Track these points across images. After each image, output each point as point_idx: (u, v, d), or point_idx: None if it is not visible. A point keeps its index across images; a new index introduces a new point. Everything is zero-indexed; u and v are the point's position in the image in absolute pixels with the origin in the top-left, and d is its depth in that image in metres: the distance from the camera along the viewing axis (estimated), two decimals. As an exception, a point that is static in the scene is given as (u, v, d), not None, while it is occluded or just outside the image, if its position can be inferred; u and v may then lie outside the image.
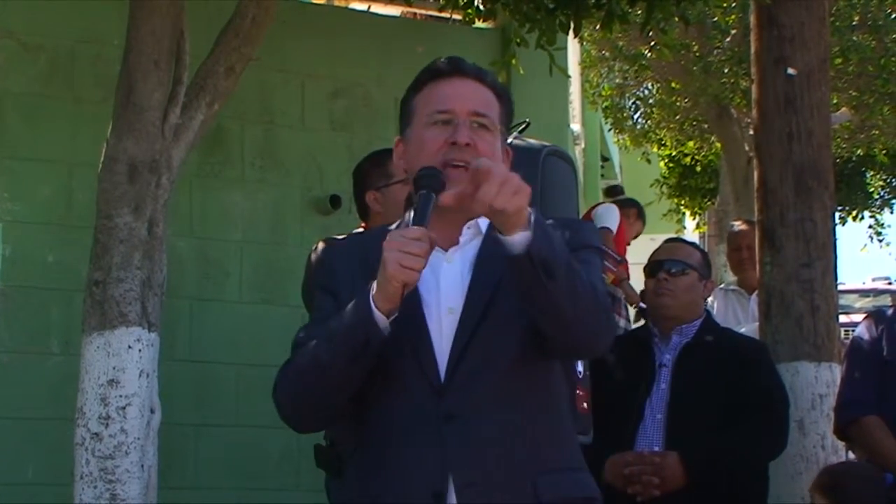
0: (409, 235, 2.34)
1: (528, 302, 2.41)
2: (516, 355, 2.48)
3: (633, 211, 8.12)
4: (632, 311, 7.76)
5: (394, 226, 2.61)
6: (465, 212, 2.50)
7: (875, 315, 4.45)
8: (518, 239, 2.32)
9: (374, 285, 2.38)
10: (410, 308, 2.46)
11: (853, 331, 4.69)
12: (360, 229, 4.23)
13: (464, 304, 2.48)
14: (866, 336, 4.31)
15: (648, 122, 15.03)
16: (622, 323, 7.19)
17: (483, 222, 2.54)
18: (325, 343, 2.45)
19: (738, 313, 6.64)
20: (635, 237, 8.52)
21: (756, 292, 6.45)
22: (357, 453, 2.58)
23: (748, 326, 6.09)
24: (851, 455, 4.94)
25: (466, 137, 2.48)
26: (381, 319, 2.38)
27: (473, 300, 2.48)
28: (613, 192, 8.32)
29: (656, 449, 4.22)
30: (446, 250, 2.53)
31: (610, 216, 7.23)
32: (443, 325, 2.48)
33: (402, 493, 2.45)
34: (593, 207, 7.65)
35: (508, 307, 2.46)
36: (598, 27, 5.80)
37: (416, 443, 2.45)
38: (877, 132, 14.30)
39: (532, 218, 2.34)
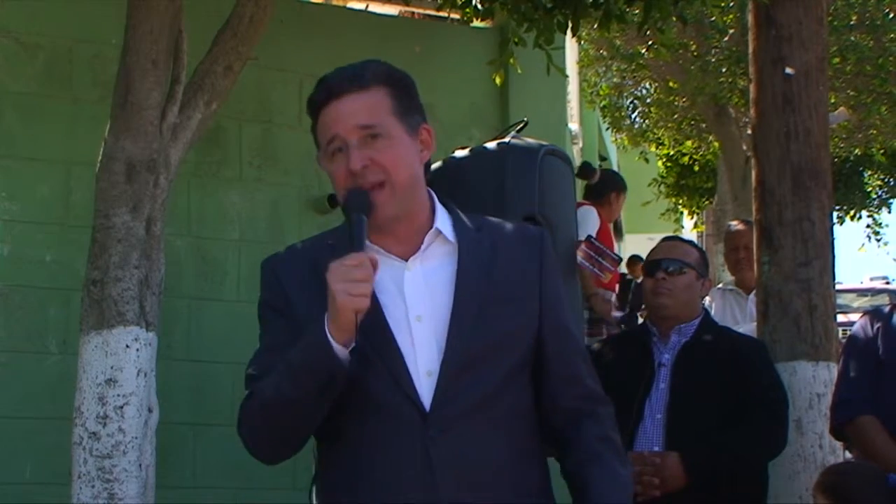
0: (349, 263, 2.31)
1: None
2: (504, 372, 2.45)
3: (612, 194, 7.85)
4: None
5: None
6: (410, 219, 2.47)
7: (872, 313, 4.44)
8: None
9: (327, 319, 2.33)
10: (374, 321, 2.41)
11: (851, 330, 4.68)
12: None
13: (451, 313, 2.43)
14: (862, 334, 4.31)
15: (646, 121, 15.04)
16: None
17: (443, 228, 2.50)
18: (287, 378, 2.40)
19: (735, 313, 6.64)
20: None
21: (754, 292, 6.45)
22: (327, 472, 2.53)
23: (746, 326, 6.08)
24: (849, 454, 4.95)
25: (357, 162, 2.41)
26: (342, 352, 2.33)
27: (460, 313, 2.44)
28: (586, 174, 7.76)
29: (656, 449, 4.21)
30: (405, 259, 2.48)
31: (589, 221, 7.10)
32: (413, 334, 2.44)
33: (390, 497, 2.40)
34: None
35: (497, 322, 2.44)
36: (595, 26, 5.81)
37: (401, 462, 2.40)
38: (874, 132, 14.31)
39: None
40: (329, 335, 2.32)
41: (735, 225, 7.02)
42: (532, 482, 2.49)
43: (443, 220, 2.52)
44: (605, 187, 7.61)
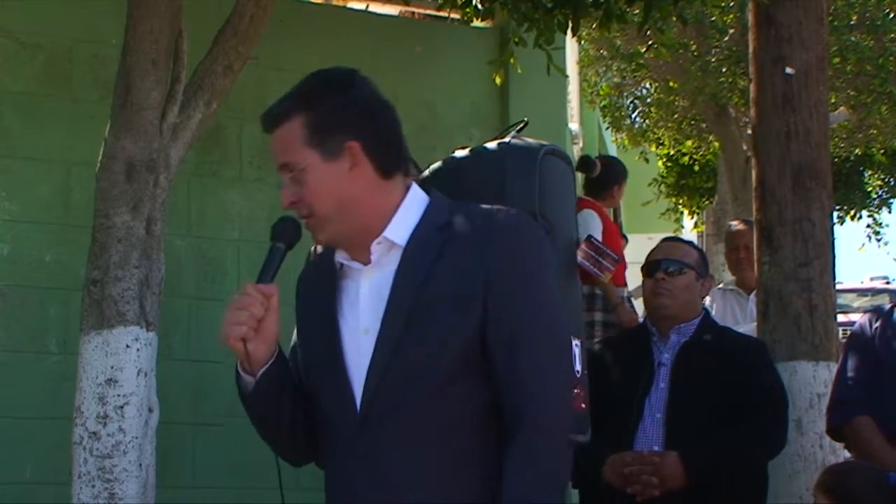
0: (242, 293, 2.41)
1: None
2: (437, 383, 2.38)
3: (615, 187, 7.76)
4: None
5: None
6: (370, 232, 2.44)
7: (873, 312, 4.44)
8: None
9: None
10: (328, 331, 2.46)
11: (851, 330, 4.68)
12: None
13: (381, 325, 2.40)
14: (861, 334, 4.31)
15: (646, 121, 15.03)
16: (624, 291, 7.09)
17: (394, 233, 2.44)
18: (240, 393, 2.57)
19: (736, 313, 6.64)
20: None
21: (755, 292, 6.45)
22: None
23: (746, 326, 6.09)
24: (848, 454, 4.94)
25: (286, 200, 2.48)
26: (246, 378, 2.51)
27: (389, 323, 2.39)
28: (587, 167, 7.60)
29: (656, 448, 4.21)
30: (365, 267, 2.47)
31: (592, 223, 7.07)
32: (360, 346, 2.43)
33: None
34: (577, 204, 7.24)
35: (428, 330, 2.37)
36: (596, 26, 5.81)
37: (339, 469, 2.48)
38: (875, 132, 14.30)
39: None
40: (238, 364, 2.49)
41: (735, 225, 7.02)
42: (472, 492, 2.39)
43: (399, 223, 2.45)
44: (607, 179, 7.48)
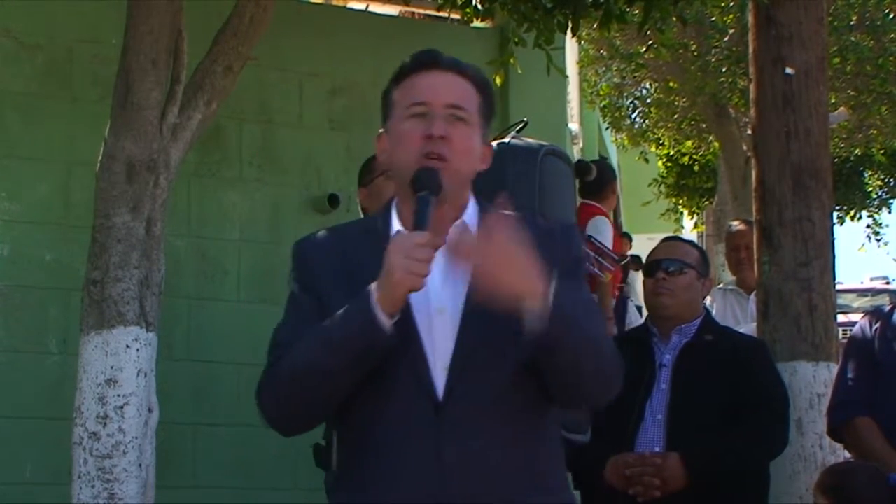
0: (416, 241, 2.33)
1: (536, 366, 2.40)
2: (517, 367, 2.42)
3: (609, 187, 7.82)
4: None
5: (399, 226, 2.55)
6: (450, 202, 2.48)
7: (872, 314, 4.44)
8: (531, 326, 2.31)
9: (374, 289, 2.35)
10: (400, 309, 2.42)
11: (851, 330, 4.68)
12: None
13: (463, 308, 2.44)
14: (861, 335, 4.31)
15: (646, 121, 15.03)
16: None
17: (470, 220, 2.51)
18: (321, 348, 2.41)
19: (736, 313, 6.63)
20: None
21: (755, 292, 6.45)
22: (340, 455, 2.54)
23: (747, 326, 6.08)
24: (848, 455, 4.94)
25: (441, 130, 2.46)
26: (387, 323, 2.35)
27: (475, 305, 2.42)
28: (584, 171, 7.70)
29: (657, 449, 4.20)
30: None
31: (604, 230, 7.11)
32: (433, 325, 2.44)
33: (401, 495, 2.40)
34: (584, 209, 7.30)
35: (505, 316, 2.39)
36: (595, 26, 5.80)
37: (412, 454, 2.40)
38: (875, 132, 14.30)
39: (553, 306, 2.31)
40: (377, 306, 2.33)
41: (736, 225, 7.02)
42: (548, 479, 2.48)
43: (471, 214, 2.53)
44: (603, 181, 7.56)
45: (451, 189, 2.46)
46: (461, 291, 2.45)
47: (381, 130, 2.63)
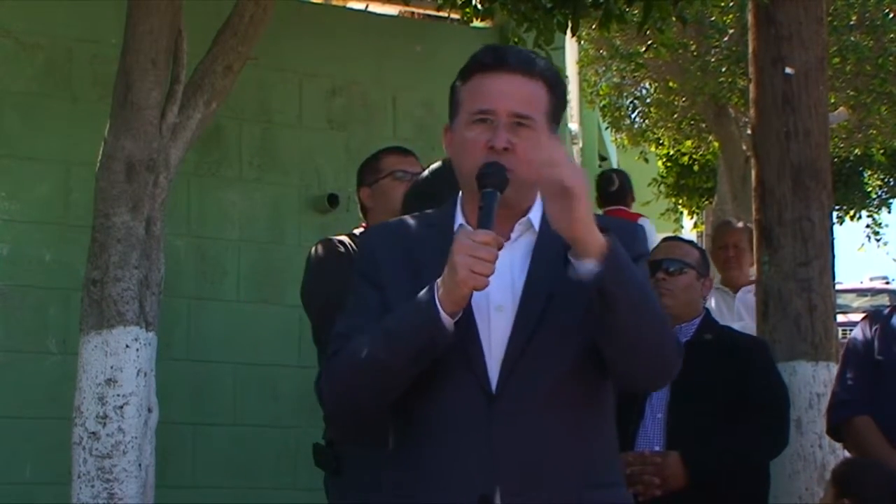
0: (478, 240, 2.33)
1: (596, 329, 2.40)
2: (572, 362, 2.45)
3: (630, 194, 8.08)
4: None
5: (465, 224, 2.55)
6: (512, 208, 2.49)
7: (871, 315, 4.46)
8: (588, 267, 2.31)
9: (439, 285, 2.36)
10: None
11: (850, 330, 4.69)
12: (361, 228, 4.25)
13: (519, 304, 2.45)
14: (861, 336, 4.32)
15: (646, 121, 15.01)
16: None
17: (534, 218, 2.52)
18: (382, 342, 2.42)
19: (723, 311, 6.65)
20: None
21: (742, 290, 6.47)
22: (394, 452, 2.55)
23: (734, 325, 6.10)
24: (848, 454, 4.95)
25: (504, 142, 2.46)
26: (448, 322, 2.36)
27: (529, 301, 2.45)
28: (608, 183, 8.02)
29: (657, 448, 4.21)
30: None
31: (651, 230, 7.21)
32: (491, 323, 2.46)
33: (444, 494, 2.42)
34: (618, 215, 7.36)
35: (566, 311, 2.44)
36: (595, 26, 5.81)
37: (464, 446, 2.42)
38: (874, 132, 14.29)
39: (609, 252, 2.32)
40: (440, 304, 2.35)
41: (734, 222, 7.03)
42: (602, 476, 2.49)
43: (537, 209, 2.53)
44: (625, 189, 7.89)
45: (515, 196, 2.47)
46: (519, 288, 2.47)
47: (445, 125, 2.64)
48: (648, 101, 14.75)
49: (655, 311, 2.44)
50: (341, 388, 2.50)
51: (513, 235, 2.51)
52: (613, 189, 7.93)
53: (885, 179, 18.74)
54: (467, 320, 2.43)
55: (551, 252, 2.45)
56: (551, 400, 2.44)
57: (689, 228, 20.24)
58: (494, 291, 2.43)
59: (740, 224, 6.89)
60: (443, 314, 2.36)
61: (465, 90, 2.55)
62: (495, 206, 2.39)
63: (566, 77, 7.18)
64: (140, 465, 4.30)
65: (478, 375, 2.43)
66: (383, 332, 2.42)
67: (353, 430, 2.66)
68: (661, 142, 16.16)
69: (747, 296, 6.29)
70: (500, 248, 2.34)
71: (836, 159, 15.37)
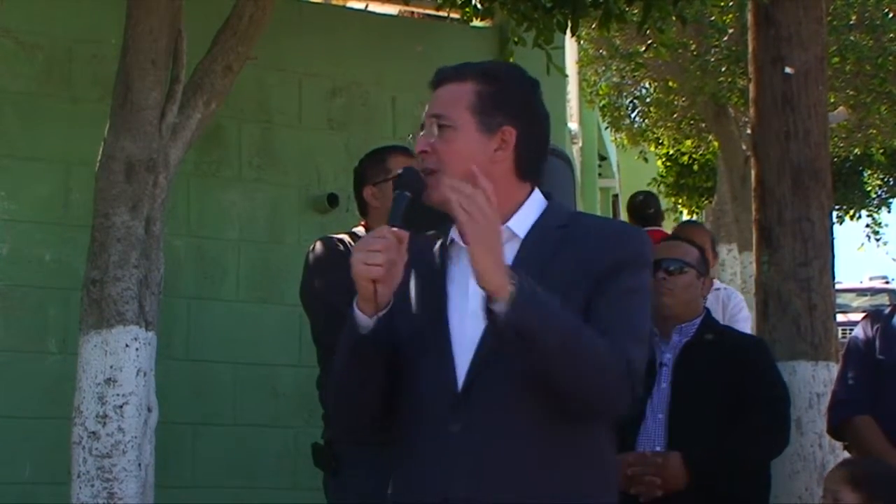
0: (373, 235, 2.41)
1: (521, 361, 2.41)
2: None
3: (661, 216, 8.33)
4: None
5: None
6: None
7: (872, 315, 4.46)
8: (498, 308, 2.32)
9: None
10: (437, 312, 2.51)
11: (850, 330, 4.69)
12: (360, 227, 4.24)
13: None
14: (862, 336, 4.32)
15: (646, 120, 15.03)
16: None
17: (517, 226, 2.54)
18: (339, 346, 2.52)
19: None
20: None
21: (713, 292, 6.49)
22: (355, 455, 2.64)
23: None
24: (848, 454, 4.95)
25: (422, 146, 2.54)
26: (362, 319, 2.43)
27: None
28: (644, 206, 8.32)
29: (658, 449, 4.20)
30: None
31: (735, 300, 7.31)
32: (466, 328, 2.49)
33: (410, 494, 2.48)
34: (655, 236, 7.45)
35: None
36: (595, 26, 5.81)
37: (428, 446, 2.46)
38: (874, 131, 14.30)
39: (514, 291, 2.31)
40: (355, 303, 2.42)
41: (700, 224, 7.06)
42: (571, 482, 2.46)
43: (523, 217, 2.55)
44: (658, 212, 8.15)
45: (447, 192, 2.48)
46: None
47: None
48: (648, 100, 14.76)
49: (585, 352, 2.38)
50: (331, 400, 2.65)
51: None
52: (651, 212, 8.19)
53: (885, 179, 18.77)
54: (443, 327, 2.49)
55: (534, 260, 2.49)
56: (517, 405, 2.43)
57: (688, 228, 20.21)
58: (473, 298, 2.46)
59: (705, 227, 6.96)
60: (357, 312, 2.43)
61: None
62: (402, 206, 2.46)
63: (567, 76, 7.17)
64: (140, 464, 4.30)
65: (445, 376, 2.47)
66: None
67: (353, 431, 2.72)
68: (660, 141, 16.17)
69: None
70: (402, 242, 2.40)
71: (835, 159, 15.38)
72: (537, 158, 2.60)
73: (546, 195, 2.63)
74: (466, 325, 2.49)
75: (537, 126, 2.61)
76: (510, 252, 2.51)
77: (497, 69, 2.64)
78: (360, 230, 4.21)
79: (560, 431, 2.46)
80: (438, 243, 2.60)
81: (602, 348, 2.39)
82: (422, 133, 2.56)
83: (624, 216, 17.45)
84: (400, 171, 2.55)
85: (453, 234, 2.57)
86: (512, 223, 2.54)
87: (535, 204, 2.59)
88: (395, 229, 2.41)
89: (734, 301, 6.54)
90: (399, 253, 2.41)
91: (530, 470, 2.43)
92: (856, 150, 15.98)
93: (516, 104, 2.58)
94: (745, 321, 6.30)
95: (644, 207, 8.28)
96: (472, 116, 2.55)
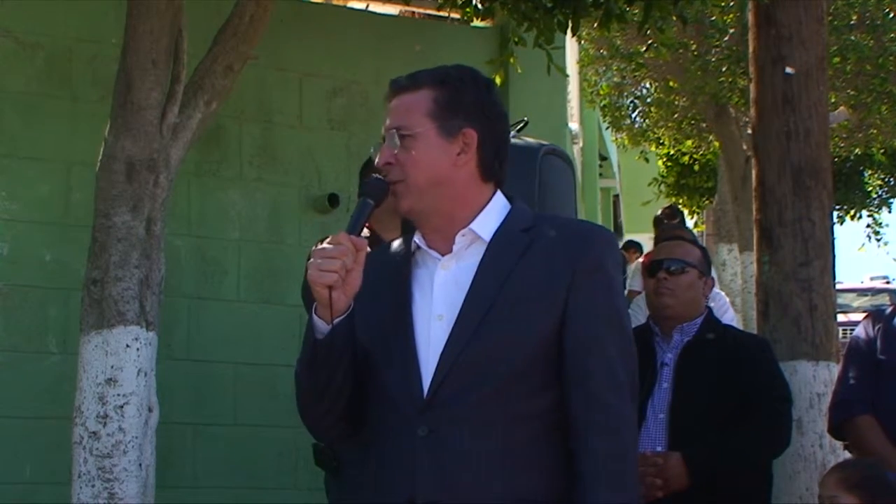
0: (331, 241, 2.42)
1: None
2: (508, 375, 2.43)
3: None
4: None
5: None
6: (440, 218, 2.52)
7: (873, 314, 4.45)
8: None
9: None
10: (400, 314, 2.50)
11: (851, 330, 4.68)
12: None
13: (458, 314, 2.46)
14: (863, 335, 4.31)
15: (646, 120, 15.02)
16: None
17: (480, 228, 2.53)
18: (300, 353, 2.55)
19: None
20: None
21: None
22: (355, 454, 2.63)
23: None
24: (847, 454, 4.94)
25: (384, 157, 2.53)
26: (320, 325, 2.44)
27: (469, 310, 2.46)
28: (669, 219, 8.43)
29: (659, 449, 4.20)
30: (443, 256, 2.53)
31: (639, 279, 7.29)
32: (430, 332, 2.48)
33: (383, 496, 2.47)
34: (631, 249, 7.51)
35: (507, 322, 2.44)
36: (595, 26, 5.80)
37: (393, 453, 2.46)
38: (875, 131, 14.29)
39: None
40: (314, 309, 2.44)
41: (683, 232, 7.06)
42: (526, 490, 2.43)
43: (486, 220, 2.54)
44: (682, 223, 8.22)
45: (420, 204, 2.51)
46: (460, 299, 2.48)
47: None
48: (649, 100, 14.75)
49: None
50: (298, 403, 2.64)
51: (455, 247, 2.52)
52: (674, 223, 8.26)
53: (886, 179, 18.75)
54: (406, 329, 2.49)
55: (500, 263, 2.49)
56: (480, 412, 2.43)
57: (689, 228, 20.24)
58: (437, 301, 2.49)
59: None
60: (315, 318, 2.44)
61: None
62: (364, 213, 2.49)
63: (568, 76, 7.17)
64: (140, 464, 4.30)
65: (411, 386, 2.46)
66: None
67: (318, 432, 2.75)
68: (661, 141, 16.16)
69: None
70: (360, 248, 2.42)
71: (836, 159, 15.37)
72: (500, 159, 2.58)
73: (508, 197, 2.61)
74: (432, 329, 2.48)
75: (497, 126, 2.59)
76: (474, 256, 2.51)
77: (450, 73, 2.62)
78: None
79: (522, 434, 2.45)
80: (403, 249, 2.61)
81: (607, 448, 2.43)
82: (383, 145, 2.55)
83: (625, 216, 17.44)
84: (365, 180, 2.59)
85: (417, 239, 2.57)
86: (475, 225, 2.53)
87: (497, 206, 2.57)
88: (352, 237, 2.43)
89: (719, 302, 6.56)
90: (356, 260, 2.41)
91: (494, 472, 2.42)
92: (856, 150, 15.98)
93: (473, 106, 2.56)
94: (730, 322, 6.31)
95: (669, 219, 8.37)
96: (431, 122, 2.53)
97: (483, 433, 2.42)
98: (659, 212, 8.69)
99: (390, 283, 2.52)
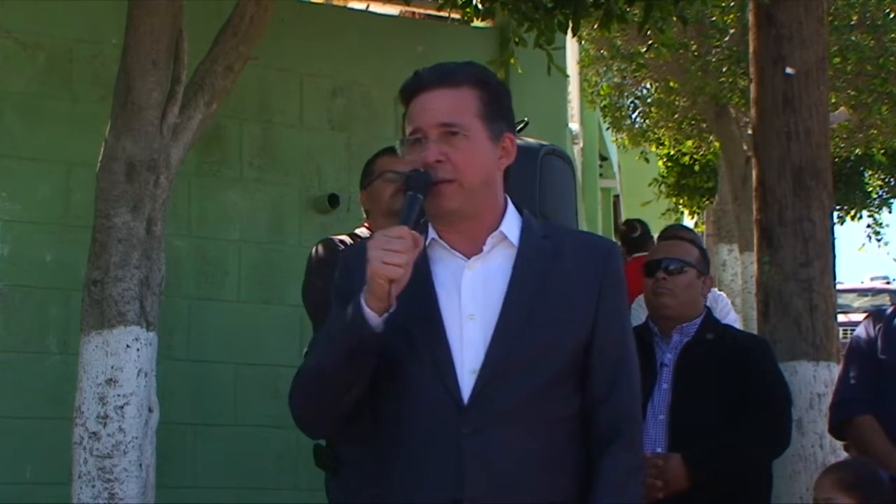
0: (390, 234, 2.39)
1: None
2: (547, 378, 2.48)
3: (651, 242, 8.33)
4: None
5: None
6: (474, 219, 2.53)
7: (874, 314, 4.45)
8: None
9: (366, 286, 2.41)
10: (428, 313, 2.49)
11: (851, 330, 4.68)
12: (363, 228, 4.25)
13: (499, 316, 2.48)
14: (864, 335, 4.31)
15: (647, 121, 15.02)
16: None
17: (508, 231, 2.55)
18: (324, 346, 2.49)
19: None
20: None
21: None
22: (362, 454, 2.59)
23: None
24: (847, 454, 4.94)
25: (434, 156, 2.49)
26: (373, 318, 2.40)
27: (511, 314, 2.48)
28: (631, 230, 8.46)
29: (659, 450, 4.19)
30: (469, 258, 2.54)
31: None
32: (463, 332, 2.49)
33: (420, 497, 2.45)
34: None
35: (546, 327, 2.48)
36: (596, 26, 5.80)
37: (433, 456, 2.45)
38: (875, 131, 14.29)
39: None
40: (363, 301, 2.39)
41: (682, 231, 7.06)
42: (561, 491, 2.48)
43: (510, 224, 2.57)
44: (646, 237, 8.22)
45: (466, 204, 2.51)
46: (496, 299, 2.50)
47: None
48: (649, 101, 14.75)
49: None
50: (303, 397, 2.54)
51: (485, 248, 2.54)
52: (634, 236, 8.30)
53: (886, 179, 18.75)
54: (438, 328, 2.48)
55: (535, 268, 2.52)
56: (523, 413, 2.46)
57: (689, 228, 20.22)
58: (467, 301, 2.49)
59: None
60: (367, 311, 2.39)
61: (405, 118, 2.60)
62: (415, 207, 2.45)
63: (568, 77, 7.17)
64: (140, 465, 4.30)
65: (448, 385, 2.46)
66: (325, 337, 2.51)
67: (317, 432, 2.72)
68: (661, 142, 16.16)
69: None
70: (418, 245, 2.40)
71: (836, 159, 15.37)
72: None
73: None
74: (465, 329, 2.49)
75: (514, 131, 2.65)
76: (506, 260, 2.53)
77: (487, 74, 2.62)
78: (362, 231, 4.21)
79: (558, 435, 2.49)
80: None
81: (629, 461, 2.53)
82: (428, 141, 2.50)
83: (625, 217, 17.43)
84: (408, 171, 2.51)
85: (432, 233, 2.56)
86: (504, 227, 2.56)
87: (512, 209, 2.61)
88: (412, 231, 2.41)
89: (721, 304, 6.55)
90: (414, 255, 2.40)
91: (537, 472, 2.45)
92: (857, 151, 15.98)
93: (509, 111, 2.61)
94: (733, 323, 6.30)
95: (629, 232, 8.46)
96: (481, 124, 2.54)
97: (527, 433, 2.46)
98: (625, 224, 8.85)
99: (410, 280, 2.46)
